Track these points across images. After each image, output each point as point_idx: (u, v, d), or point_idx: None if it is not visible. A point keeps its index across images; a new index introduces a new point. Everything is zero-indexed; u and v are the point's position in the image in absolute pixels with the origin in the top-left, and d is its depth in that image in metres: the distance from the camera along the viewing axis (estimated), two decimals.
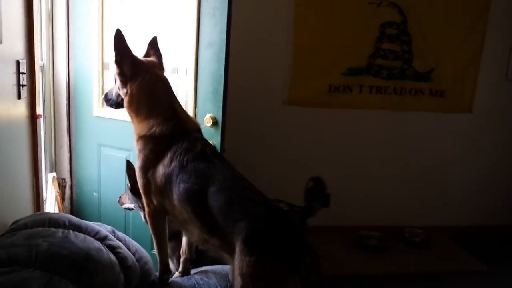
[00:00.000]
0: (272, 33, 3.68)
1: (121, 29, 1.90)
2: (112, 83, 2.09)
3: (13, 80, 1.78)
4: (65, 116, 3.01)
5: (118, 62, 1.91)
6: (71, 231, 1.56)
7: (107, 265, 1.53)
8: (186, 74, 2.77)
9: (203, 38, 2.63)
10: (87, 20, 2.89)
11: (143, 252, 1.98)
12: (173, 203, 1.78)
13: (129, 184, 2.36)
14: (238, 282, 1.57)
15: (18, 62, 1.81)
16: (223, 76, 2.62)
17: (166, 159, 1.79)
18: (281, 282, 1.55)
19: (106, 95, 2.14)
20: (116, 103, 2.08)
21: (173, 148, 1.79)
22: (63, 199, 3.03)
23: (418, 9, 3.82)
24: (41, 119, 2.26)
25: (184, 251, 2.10)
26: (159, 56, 2.08)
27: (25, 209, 1.97)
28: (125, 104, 1.98)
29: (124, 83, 1.94)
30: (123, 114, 2.87)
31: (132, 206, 2.46)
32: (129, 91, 1.92)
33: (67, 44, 2.96)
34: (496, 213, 4.32)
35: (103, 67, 2.91)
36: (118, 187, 2.94)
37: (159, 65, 2.06)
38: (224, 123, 2.68)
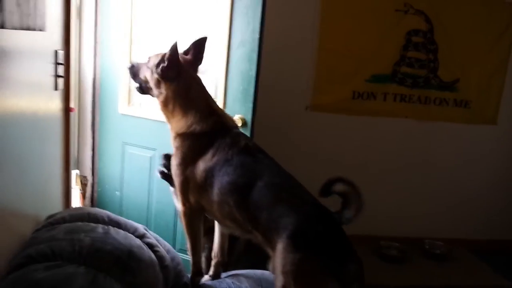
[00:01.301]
0: (297, 37, 3.63)
1: (177, 43, 1.85)
2: (143, 60, 2.02)
3: (51, 71, 1.74)
4: (90, 113, 2.97)
5: (164, 68, 1.86)
6: (111, 227, 1.51)
7: (149, 264, 1.47)
8: (215, 73, 2.71)
9: (234, 37, 2.59)
10: (116, 17, 2.86)
11: (175, 252, 1.93)
12: (212, 198, 1.73)
13: None
14: (279, 280, 1.52)
15: (56, 52, 1.77)
16: (254, 77, 2.58)
17: (208, 155, 1.75)
18: (324, 284, 1.49)
19: (132, 67, 2.05)
20: (140, 85, 2.02)
21: (215, 144, 1.76)
22: (84, 197, 2.98)
23: (445, 17, 3.76)
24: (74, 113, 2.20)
25: (216, 254, 2.04)
26: (199, 57, 2.00)
27: (56, 204, 1.92)
28: (159, 104, 1.94)
29: (159, 82, 1.90)
30: (149, 112, 2.86)
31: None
32: (164, 93, 1.88)
33: (95, 41, 2.91)
34: None
35: None
36: (141, 186, 2.89)
37: (194, 66, 1.99)
38: (253, 125, 2.64)
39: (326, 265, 1.48)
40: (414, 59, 3.83)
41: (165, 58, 1.85)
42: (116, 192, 3.00)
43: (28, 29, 1.30)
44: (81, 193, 2.81)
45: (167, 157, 2.30)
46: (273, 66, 3.54)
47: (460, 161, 4.06)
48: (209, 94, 1.97)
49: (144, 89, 2.02)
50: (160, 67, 1.86)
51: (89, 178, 3.04)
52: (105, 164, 3.03)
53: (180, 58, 1.92)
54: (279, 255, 1.50)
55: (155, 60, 1.91)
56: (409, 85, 3.86)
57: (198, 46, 2.00)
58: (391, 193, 4.00)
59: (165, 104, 1.90)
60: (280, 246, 1.50)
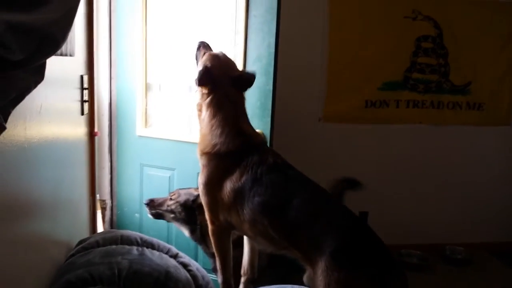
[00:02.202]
0: (307, 48, 3.63)
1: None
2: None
3: (78, 96, 1.75)
4: (107, 136, 2.97)
5: (197, 80, 1.85)
6: (145, 248, 1.51)
7: (186, 284, 1.47)
8: None
9: (250, 52, 2.61)
10: (130, 40, 2.88)
11: (204, 271, 1.91)
12: (243, 218, 1.70)
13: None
14: None
15: (82, 77, 1.78)
16: (271, 91, 2.60)
17: (235, 175, 1.71)
18: None
19: (202, 43, 2.04)
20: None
21: (243, 163, 1.72)
22: (103, 221, 2.97)
23: (454, 21, 3.78)
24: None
25: (245, 271, 2.02)
26: (246, 77, 1.95)
27: (84, 229, 1.92)
28: (195, 100, 1.92)
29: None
30: (166, 133, 2.87)
31: (168, 217, 2.35)
32: (198, 98, 1.88)
33: (110, 64, 2.93)
34: None
35: (147, 87, 2.89)
36: None
37: (237, 84, 1.91)
38: (272, 139, 2.64)
39: (372, 279, 1.45)
40: (425, 64, 3.83)
41: (199, 73, 1.83)
42: (136, 214, 2.99)
43: (61, 55, 1.30)
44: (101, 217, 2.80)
45: (149, 204, 2.36)
46: (284, 79, 3.54)
47: (475, 164, 4.04)
48: (241, 113, 1.90)
49: None
50: (197, 75, 1.84)
51: (108, 201, 3.03)
52: (124, 186, 3.03)
53: (219, 73, 1.86)
54: (322, 273, 1.46)
55: (202, 63, 1.90)
56: (421, 91, 3.86)
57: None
58: (408, 200, 3.97)
59: (198, 108, 1.91)
60: (322, 264, 1.46)
